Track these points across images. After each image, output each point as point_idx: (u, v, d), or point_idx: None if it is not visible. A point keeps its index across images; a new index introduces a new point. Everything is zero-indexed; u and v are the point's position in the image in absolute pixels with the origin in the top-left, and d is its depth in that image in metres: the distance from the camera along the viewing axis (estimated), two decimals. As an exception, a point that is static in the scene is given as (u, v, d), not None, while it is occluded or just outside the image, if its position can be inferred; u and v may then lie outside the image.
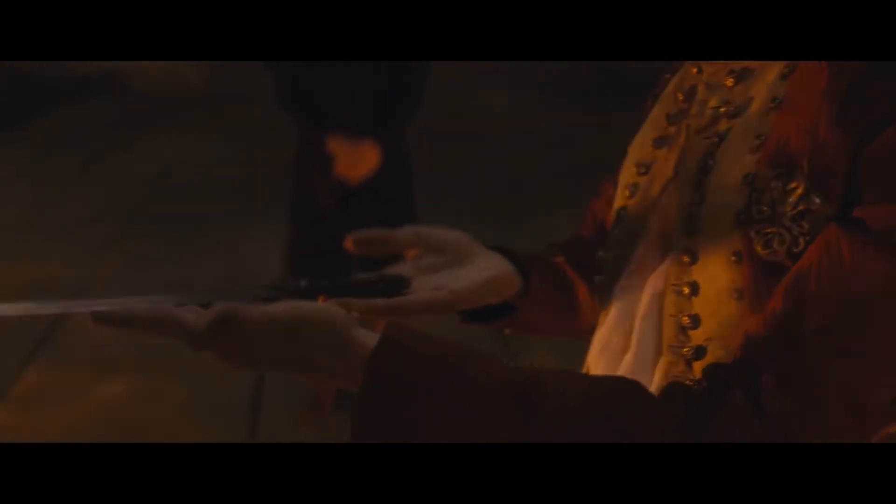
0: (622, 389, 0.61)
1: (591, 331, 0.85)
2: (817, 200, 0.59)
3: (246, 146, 6.25)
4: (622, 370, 0.70)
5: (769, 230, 0.61)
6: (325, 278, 0.66)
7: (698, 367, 0.65)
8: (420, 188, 2.79)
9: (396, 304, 0.68)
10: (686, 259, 0.66)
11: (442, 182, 4.78)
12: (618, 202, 0.78)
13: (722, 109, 0.68)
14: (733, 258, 0.63)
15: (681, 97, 0.74)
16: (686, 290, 0.66)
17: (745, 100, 0.67)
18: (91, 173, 5.72)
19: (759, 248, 0.61)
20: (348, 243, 0.73)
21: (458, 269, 0.73)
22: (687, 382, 0.64)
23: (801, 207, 0.60)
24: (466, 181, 5.26)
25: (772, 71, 0.66)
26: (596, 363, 0.75)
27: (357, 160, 2.49)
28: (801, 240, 0.60)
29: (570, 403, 0.59)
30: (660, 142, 0.74)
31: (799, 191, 0.60)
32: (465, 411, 0.57)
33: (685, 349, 0.66)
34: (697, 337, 0.65)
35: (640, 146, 0.77)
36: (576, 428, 0.58)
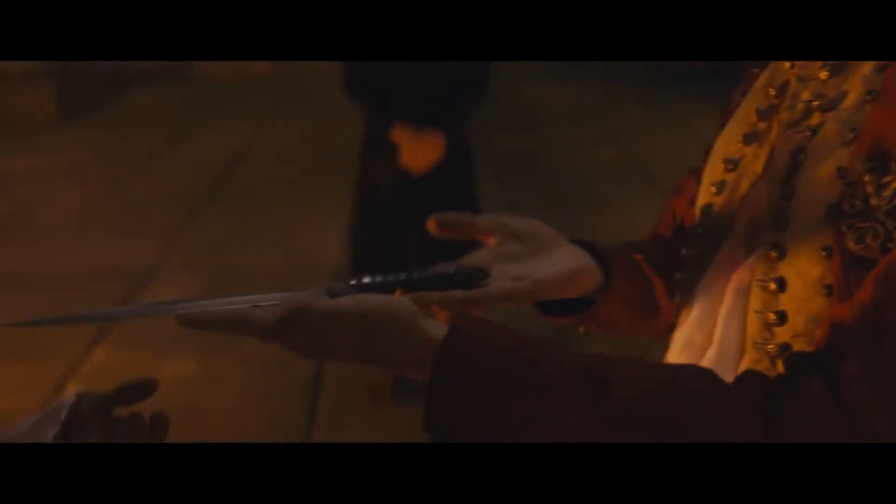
0: (695, 377, 0.60)
1: (666, 331, 0.83)
2: None
3: (310, 133, 6.33)
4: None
5: (862, 225, 0.60)
6: (402, 272, 0.66)
7: (783, 364, 0.64)
8: (477, 178, 2.79)
9: (475, 295, 0.67)
10: (774, 255, 0.65)
11: (498, 172, 4.77)
12: (702, 199, 0.76)
13: (815, 103, 0.67)
14: (823, 253, 0.62)
15: (772, 92, 0.72)
16: (773, 287, 0.65)
17: (840, 93, 0.66)
18: (160, 158, 5.88)
19: (851, 243, 0.60)
20: (431, 225, 0.72)
21: (538, 259, 0.72)
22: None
23: (895, 202, 0.58)
24: (522, 172, 5.23)
25: (868, 63, 0.65)
26: (677, 361, 0.73)
27: (421, 150, 2.50)
28: None
29: (643, 391, 0.58)
30: (749, 138, 0.72)
31: (894, 185, 0.59)
32: (537, 401, 0.57)
33: (770, 346, 0.65)
34: (783, 334, 0.64)
35: (727, 142, 0.76)
36: (648, 416, 0.57)
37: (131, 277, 3.81)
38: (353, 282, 0.65)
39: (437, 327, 0.60)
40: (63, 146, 6.07)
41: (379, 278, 0.66)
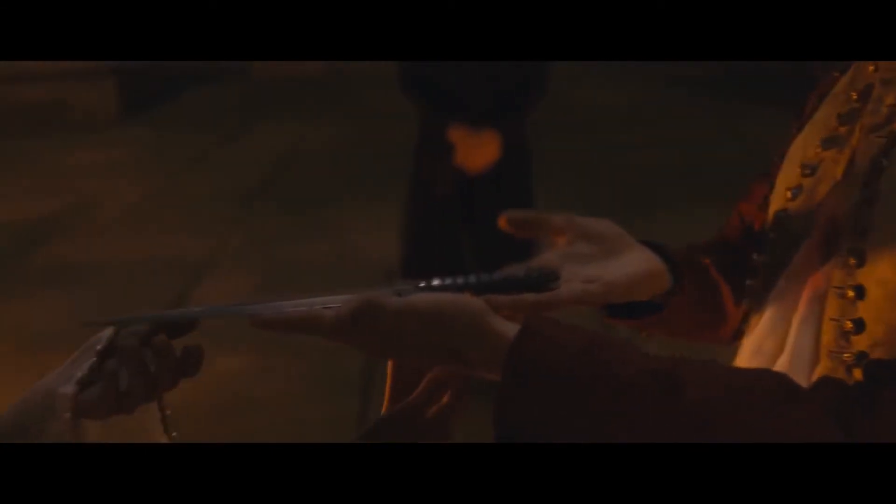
0: (770, 381, 0.59)
1: (731, 338, 0.82)
2: None
3: (362, 132, 6.38)
4: None
5: None
6: (471, 275, 0.66)
7: (859, 373, 0.62)
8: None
9: (545, 299, 0.66)
10: (852, 261, 0.64)
11: (549, 175, 4.73)
12: (776, 204, 0.75)
13: None
14: None
15: (854, 96, 0.71)
16: (851, 294, 0.63)
17: None
18: (216, 154, 5.99)
19: None
20: (502, 222, 0.72)
21: (609, 260, 0.71)
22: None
23: None
24: (574, 175, 5.20)
25: None
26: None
27: (477, 150, 2.50)
28: None
29: (716, 393, 0.57)
30: (829, 143, 0.71)
31: None
32: (610, 402, 0.56)
33: (846, 355, 0.63)
34: (860, 342, 0.62)
35: (804, 147, 0.74)
36: (722, 419, 0.56)
37: (186, 271, 3.89)
38: (421, 283, 0.64)
39: (508, 326, 0.60)
40: (123, 142, 6.23)
41: (448, 280, 0.65)
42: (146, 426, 0.62)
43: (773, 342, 0.70)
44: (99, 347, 0.60)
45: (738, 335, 0.79)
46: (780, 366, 0.68)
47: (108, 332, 0.61)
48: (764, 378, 0.59)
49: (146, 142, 6.26)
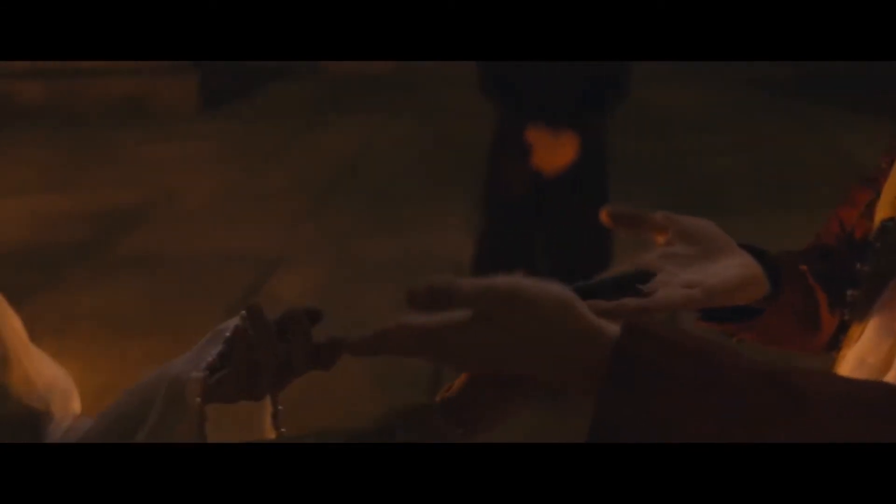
0: (888, 394, 0.56)
1: (825, 348, 0.79)
2: None
3: (434, 130, 6.40)
4: None
5: None
6: (569, 282, 0.63)
7: None
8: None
9: (646, 304, 0.64)
10: None
11: (622, 177, 4.66)
12: (883, 212, 0.72)
13: None
14: None
15: None
16: None
17: None
18: (291, 150, 6.10)
19: None
20: (603, 216, 0.70)
21: (709, 263, 0.69)
22: None
23: None
24: (647, 178, 5.11)
25: None
26: None
27: (555, 152, 2.48)
28: None
29: (838, 404, 0.54)
30: None
31: None
32: (725, 405, 0.53)
33: None
34: None
35: None
36: (842, 429, 0.54)
37: (259, 263, 3.97)
38: None
39: (603, 322, 0.55)
40: (203, 135, 6.40)
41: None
42: (257, 421, 0.63)
43: (877, 356, 0.68)
44: (227, 335, 0.61)
45: (833, 346, 0.76)
46: (889, 381, 0.65)
47: (234, 321, 0.61)
48: (881, 391, 0.57)
49: (224, 136, 6.42)
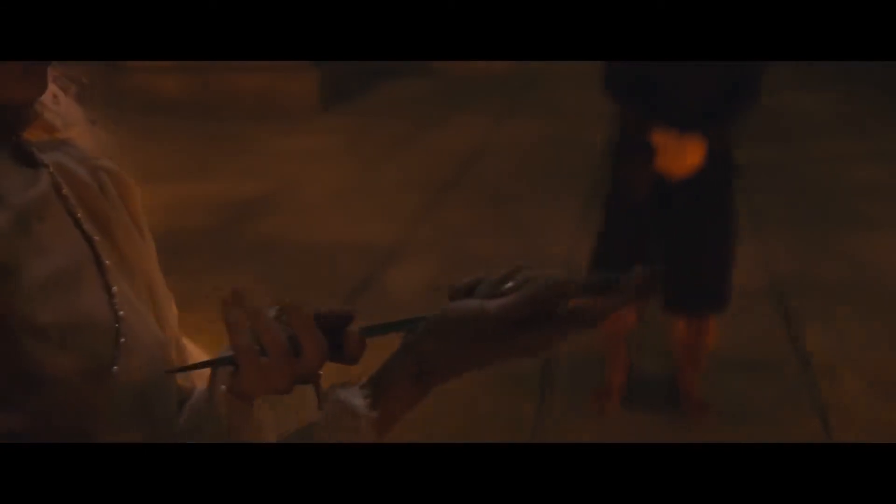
0: None
1: None
2: None
3: (549, 130, 6.36)
4: None
5: None
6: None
7: None
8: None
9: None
10: None
11: (745, 185, 4.49)
12: None
13: None
14: None
15: None
16: None
17: None
18: (407, 146, 6.20)
19: None
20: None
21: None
22: None
23: None
24: (771, 186, 4.89)
25: None
26: None
27: (681, 156, 2.41)
28: None
29: None
30: None
31: None
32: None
33: None
34: None
35: None
36: None
37: (375, 256, 4.06)
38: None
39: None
40: (324, 130, 6.60)
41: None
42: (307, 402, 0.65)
43: None
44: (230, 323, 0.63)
45: None
46: None
47: (274, 310, 0.65)
48: None
49: (343, 131, 6.60)
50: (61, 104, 0.70)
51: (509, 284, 0.64)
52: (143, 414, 0.64)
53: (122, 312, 0.65)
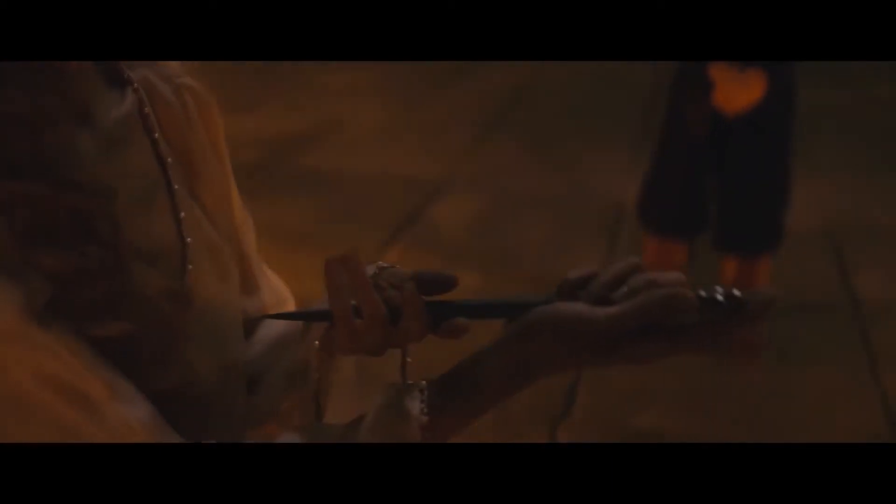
0: None
1: None
2: None
3: (600, 68, 6.23)
4: None
5: None
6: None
7: None
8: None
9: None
10: None
11: (813, 127, 4.37)
12: None
13: None
14: None
15: None
16: None
17: None
18: (453, 85, 6.14)
19: None
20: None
21: None
22: None
23: None
24: (832, 129, 4.75)
25: None
26: None
27: (740, 91, 2.36)
28: None
29: None
30: None
31: None
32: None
33: None
34: None
35: None
36: None
37: (420, 190, 4.07)
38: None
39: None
40: (368, 66, 6.55)
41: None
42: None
43: None
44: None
45: None
46: None
47: (373, 267, 0.64)
48: None
49: (389, 67, 6.54)
50: None
51: (623, 289, 0.59)
52: (214, 340, 0.65)
53: (189, 239, 0.65)
